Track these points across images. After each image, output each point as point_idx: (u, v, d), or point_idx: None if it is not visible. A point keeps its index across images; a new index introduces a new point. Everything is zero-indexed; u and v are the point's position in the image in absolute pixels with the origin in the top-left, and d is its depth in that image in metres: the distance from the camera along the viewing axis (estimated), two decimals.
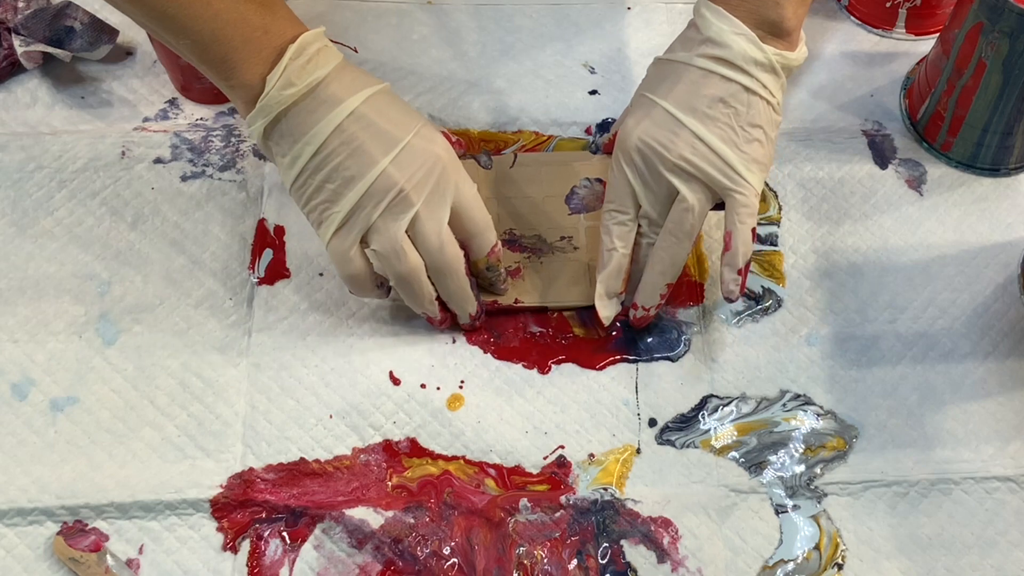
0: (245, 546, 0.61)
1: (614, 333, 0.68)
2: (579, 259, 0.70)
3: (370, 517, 0.62)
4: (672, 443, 0.65)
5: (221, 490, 0.62)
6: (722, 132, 0.62)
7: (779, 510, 0.63)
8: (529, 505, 0.62)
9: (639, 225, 0.65)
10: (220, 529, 0.61)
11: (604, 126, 0.76)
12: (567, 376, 0.67)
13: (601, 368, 0.67)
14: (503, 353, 0.67)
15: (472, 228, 0.63)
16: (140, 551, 0.61)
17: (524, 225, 0.71)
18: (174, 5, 0.57)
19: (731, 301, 0.64)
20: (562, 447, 0.64)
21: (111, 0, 0.58)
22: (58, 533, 0.61)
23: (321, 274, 0.70)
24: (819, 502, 0.63)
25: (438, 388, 0.66)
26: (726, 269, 0.63)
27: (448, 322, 0.67)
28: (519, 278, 0.69)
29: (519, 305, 0.68)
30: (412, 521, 0.62)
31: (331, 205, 0.61)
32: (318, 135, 0.60)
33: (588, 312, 0.68)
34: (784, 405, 0.66)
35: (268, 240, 0.71)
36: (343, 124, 0.60)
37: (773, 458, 0.64)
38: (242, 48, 0.58)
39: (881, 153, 0.76)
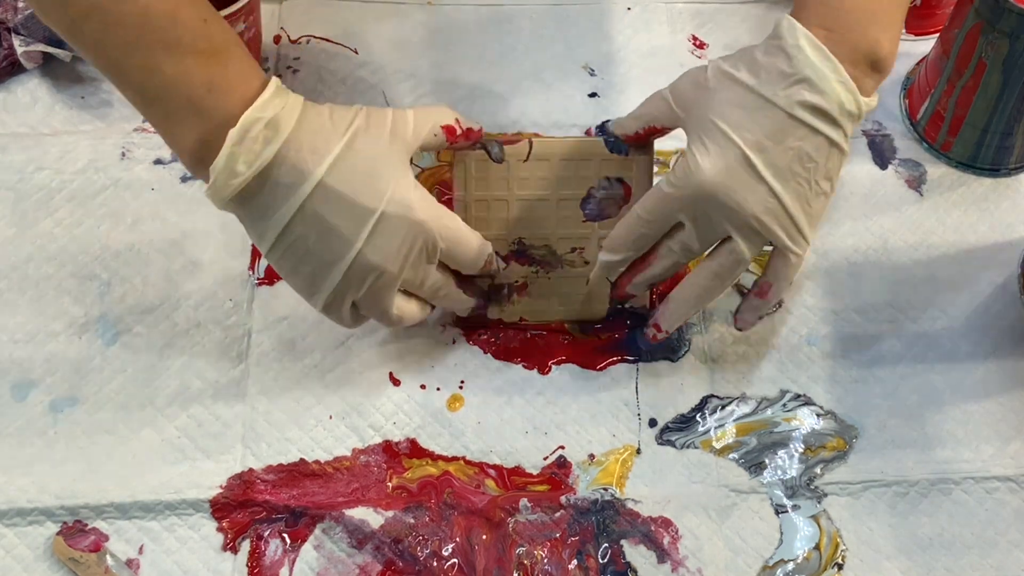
0: (245, 546, 0.61)
1: (615, 335, 0.68)
2: (587, 275, 0.68)
3: (370, 517, 0.62)
4: (672, 443, 0.65)
5: (221, 491, 0.62)
6: (798, 188, 0.57)
7: (779, 510, 0.63)
8: (529, 505, 0.62)
9: (670, 239, 0.61)
10: (220, 529, 0.61)
11: (604, 128, 0.76)
12: (567, 376, 0.67)
13: (601, 368, 0.67)
14: (503, 353, 0.67)
15: (463, 260, 0.61)
16: (140, 551, 0.61)
17: (534, 233, 0.67)
18: (118, 50, 0.52)
19: (741, 331, 0.66)
20: (562, 447, 0.64)
21: (63, 32, 0.53)
22: (58, 533, 0.61)
23: None
24: (819, 502, 0.63)
25: (438, 388, 0.66)
26: (751, 312, 0.63)
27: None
28: (525, 295, 0.68)
29: (523, 324, 0.68)
30: (412, 521, 0.62)
31: (311, 287, 0.57)
32: (279, 220, 0.55)
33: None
34: (784, 405, 0.66)
35: None
36: (305, 205, 0.54)
37: (773, 458, 0.64)
38: (182, 111, 0.53)
39: (881, 153, 0.76)
